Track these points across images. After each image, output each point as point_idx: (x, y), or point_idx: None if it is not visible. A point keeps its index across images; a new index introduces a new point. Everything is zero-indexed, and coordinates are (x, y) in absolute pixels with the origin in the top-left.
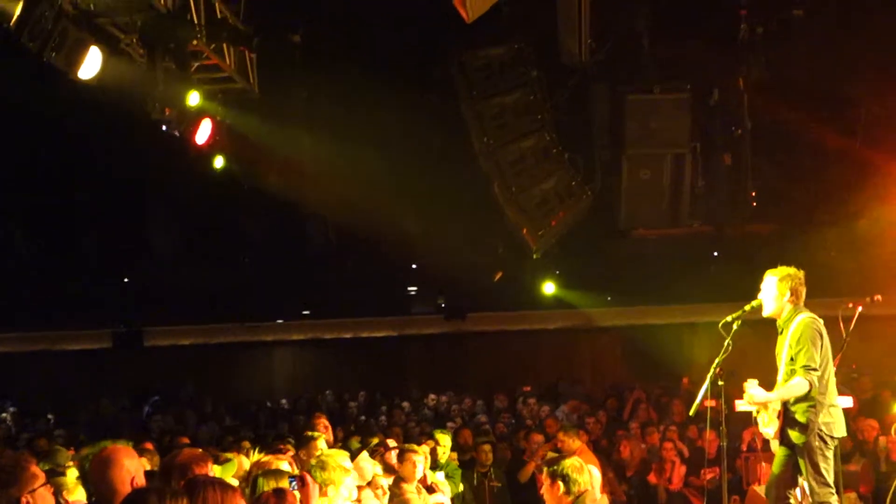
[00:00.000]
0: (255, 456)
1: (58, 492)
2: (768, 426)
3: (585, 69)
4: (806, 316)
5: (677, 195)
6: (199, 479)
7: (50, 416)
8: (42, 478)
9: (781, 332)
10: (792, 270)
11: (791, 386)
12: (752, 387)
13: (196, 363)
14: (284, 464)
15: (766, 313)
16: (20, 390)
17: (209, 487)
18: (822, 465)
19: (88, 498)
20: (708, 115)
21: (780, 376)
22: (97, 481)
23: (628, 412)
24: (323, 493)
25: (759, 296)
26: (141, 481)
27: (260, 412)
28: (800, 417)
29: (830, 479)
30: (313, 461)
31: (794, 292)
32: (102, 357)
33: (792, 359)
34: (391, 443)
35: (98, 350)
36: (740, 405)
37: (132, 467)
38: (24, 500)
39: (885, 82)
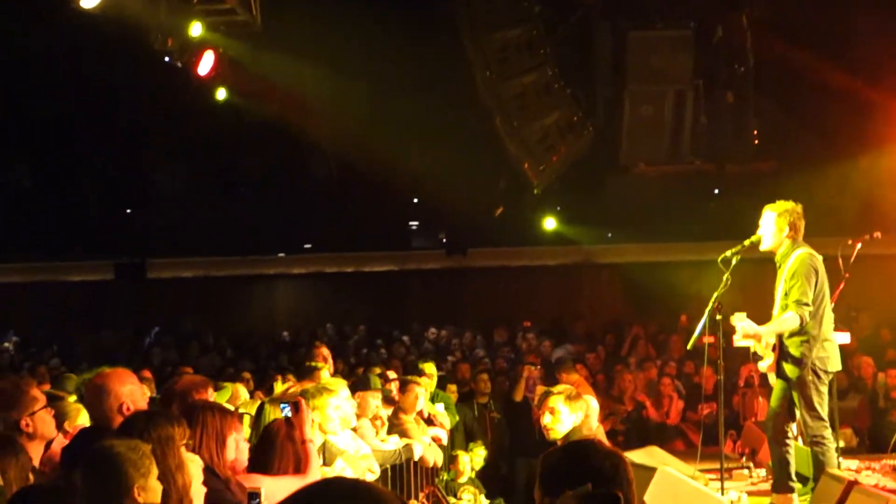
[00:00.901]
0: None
1: (60, 417)
2: (763, 360)
3: (589, 4)
4: (803, 251)
5: (679, 132)
6: (198, 404)
7: (55, 346)
8: (42, 401)
9: (780, 267)
10: (790, 205)
11: (783, 320)
12: (740, 320)
13: (198, 296)
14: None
15: (763, 247)
16: (22, 320)
17: (208, 412)
18: (815, 399)
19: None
20: (711, 52)
21: (776, 310)
22: (92, 405)
23: (627, 348)
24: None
25: (758, 231)
26: (136, 406)
27: (261, 344)
28: (794, 351)
29: (825, 413)
30: (291, 393)
31: (792, 227)
32: (104, 288)
33: (786, 293)
34: (391, 374)
35: (100, 281)
36: (738, 340)
37: (125, 392)
38: (23, 422)
39: (889, 21)
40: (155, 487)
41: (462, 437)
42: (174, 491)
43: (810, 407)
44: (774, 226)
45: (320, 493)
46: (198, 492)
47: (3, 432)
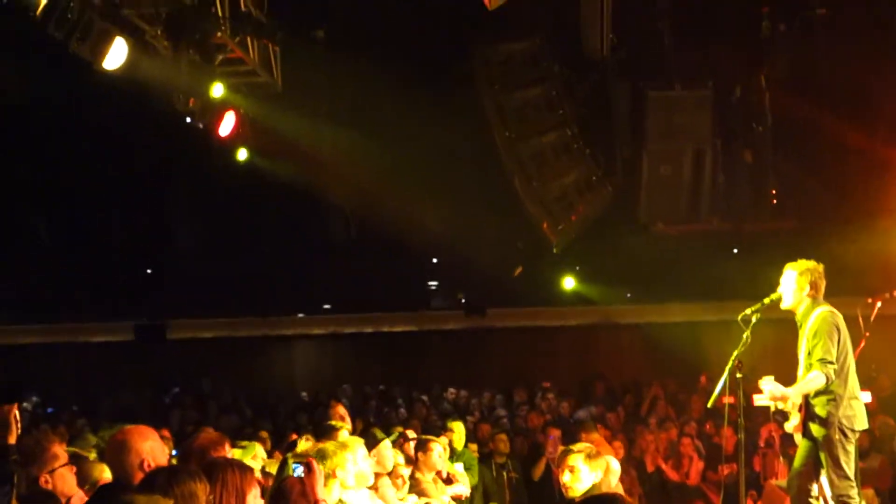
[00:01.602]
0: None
1: (82, 475)
2: (789, 420)
3: (607, 64)
4: (824, 310)
5: (697, 191)
6: (218, 461)
7: (74, 407)
8: (63, 458)
9: (801, 327)
10: (812, 264)
11: (808, 380)
12: (768, 383)
13: (217, 356)
14: None
15: (784, 306)
16: (42, 381)
17: (228, 468)
18: (842, 458)
19: None
20: (729, 111)
21: (801, 370)
22: (113, 461)
23: (646, 408)
24: (333, 477)
25: (779, 289)
26: (157, 463)
27: (280, 405)
28: (820, 411)
29: (851, 472)
30: (313, 451)
31: (813, 286)
32: (124, 349)
33: (809, 353)
34: (410, 433)
35: (120, 342)
36: (758, 399)
37: (146, 449)
38: (42, 479)
39: None
40: None
41: (480, 497)
42: None
43: (837, 466)
44: (795, 284)
45: None
46: None
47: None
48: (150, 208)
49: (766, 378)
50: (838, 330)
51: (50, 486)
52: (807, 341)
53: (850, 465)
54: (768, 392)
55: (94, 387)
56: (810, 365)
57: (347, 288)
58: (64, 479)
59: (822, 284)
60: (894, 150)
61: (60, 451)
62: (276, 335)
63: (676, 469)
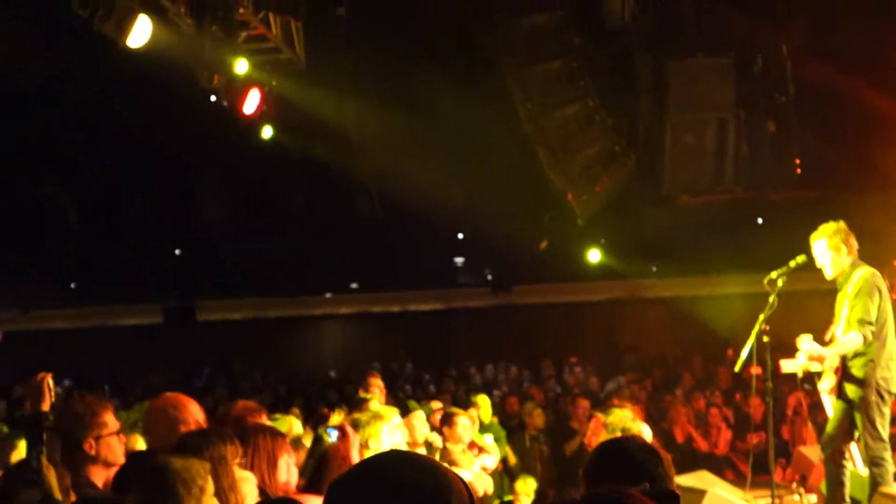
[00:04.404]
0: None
1: None
2: (822, 380)
3: (628, 35)
4: (865, 271)
5: (721, 161)
6: (250, 426)
7: (106, 387)
8: (112, 427)
9: (841, 288)
10: (834, 225)
11: (846, 341)
12: (806, 342)
13: (246, 337)
14: None
15: (829, 276)
16: (73, 365)
17: (260, 434)
18: (878, 420)
19: None
20: (751, 81)
21: (840, 331)
22: (150, 428)
23: (674, 381)
24: (367, 448)
25: (817, 263)
26: (194, 426)
27: (310, 384)
28: (857, 372)
29: (885, 434)
30: (347, 421)
31: (846, 244)
32: (154, 331)
33: (849, 313)
34: (436, 405)
35: (150, 325)
36: (786, 366)
37: (182, 417)
38: (87, 444)
39: None
40: None
41: (510, 470)
42: None
43: (872, 427)
44: (830, 251)
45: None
46: None
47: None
48: (178, 189)
49: (803, 336)
50: (879, 291)
51: (94, 452)
52: (848, 302)
53: (885, 428)
54: (805, 351)
55: (125, 370)
56: (849, 324)
57: (374, 266)
58: (110, 447)
59: (853, 240)
60: None
61: (111, 418)
62: (305, 315)
63: (705, 438)
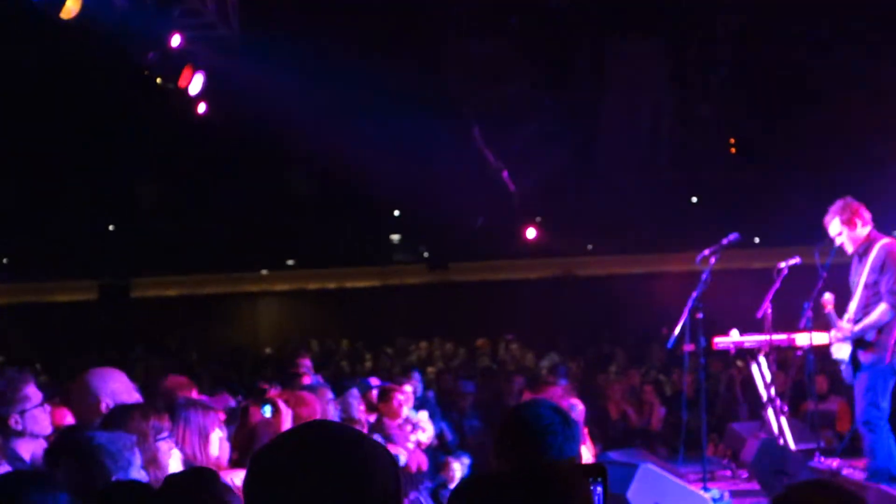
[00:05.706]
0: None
1: None
2: (840, 352)
3: (566, 16)
4: (887, 240)
5: (655, 141)
6: (181, 400)
7: (38, 365)
8: (35, 399)
9: (860, 257)
10: (841, 203)
11: (877, 314)
12: (830, 302)
13: (181, 314)
14: None
15: (851, 252)
16: (5, 342)
17: (191, 408)
18: (879, 387)
19: None
20: (686, 62)
21: (856, 301)
22: (76, 403)
23: (609, 358)
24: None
25: (836, 243)
26: (119, 401)
27: (245, 361)
28: (873, 338)
29: (886, 403)
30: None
31: (857, 215)
32: (88, 308)
33: (875, 283)
34: (373, 381)
35: (84, 301)
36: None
37: (108, 390)
38: (12, 419)
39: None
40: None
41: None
42: None
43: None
44: (843, 227)
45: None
46: None
47: None
48: (111, 165)
49: (828, 295)
50: None
51: (20, 427)
52: (868, 272)
53: (884, 397)
54: (840, 331)
55: (58, 346)
56: (874, 294)
57: (310, 243)
58: (36, 420)
59: (865, 211)
60: (848, 99)
61: (33, 391)
62: (241, 292)
63: (639, 415)
